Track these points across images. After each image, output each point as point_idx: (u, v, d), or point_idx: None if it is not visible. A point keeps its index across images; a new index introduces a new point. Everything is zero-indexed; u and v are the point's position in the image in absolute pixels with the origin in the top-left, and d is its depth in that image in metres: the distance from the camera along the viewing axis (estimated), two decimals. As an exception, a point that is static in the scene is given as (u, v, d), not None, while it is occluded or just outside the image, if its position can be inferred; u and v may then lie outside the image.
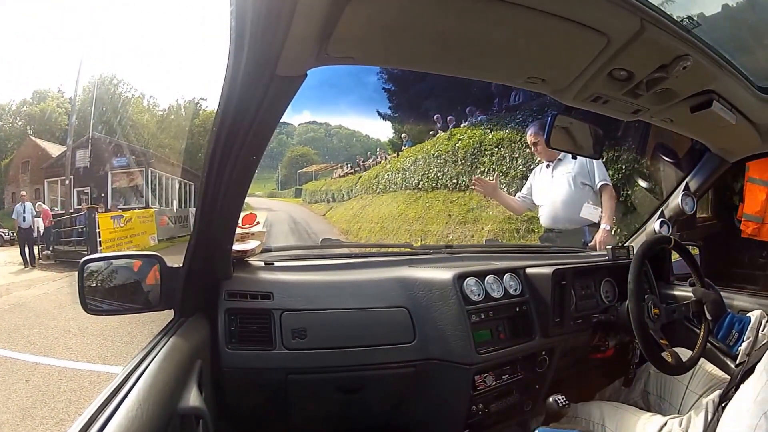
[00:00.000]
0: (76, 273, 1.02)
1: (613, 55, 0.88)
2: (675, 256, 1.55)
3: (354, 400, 1.24)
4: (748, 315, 1.19)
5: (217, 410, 1.09)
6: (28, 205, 10.17)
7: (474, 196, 8.12)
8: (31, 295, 6.64)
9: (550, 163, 2.66)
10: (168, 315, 1.05)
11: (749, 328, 1.15)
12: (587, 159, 2.52)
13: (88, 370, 3.68)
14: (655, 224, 1.69)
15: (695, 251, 1.65)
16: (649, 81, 0.98)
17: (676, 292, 1.48)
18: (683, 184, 1.70)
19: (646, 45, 0.85)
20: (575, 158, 2.55)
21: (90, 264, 1.03)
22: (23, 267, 9.23)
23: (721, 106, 1.11)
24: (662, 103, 1.10)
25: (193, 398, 0.76)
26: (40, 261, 9.79)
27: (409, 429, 1.34)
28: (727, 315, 1.21)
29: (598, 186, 2.55)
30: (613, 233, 2.44)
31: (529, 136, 2.78)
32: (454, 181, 8.87)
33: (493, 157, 7.86)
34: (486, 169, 7.94)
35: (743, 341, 1.16)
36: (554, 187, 2.61)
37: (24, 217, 9.78)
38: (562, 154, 2.64)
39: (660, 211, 1.73)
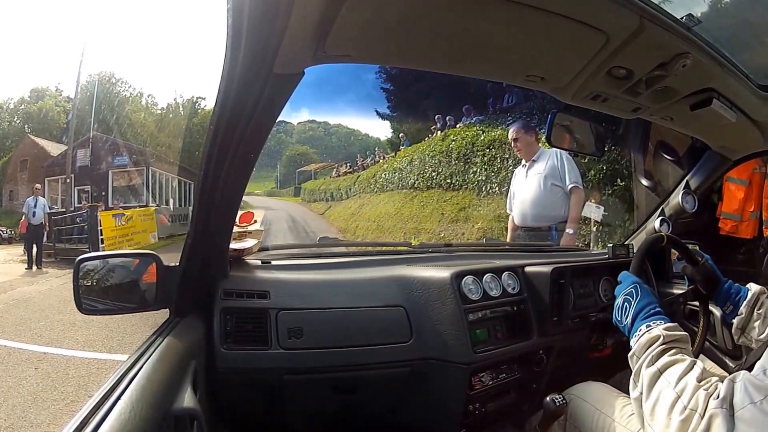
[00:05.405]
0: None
1: (612, 53, 0.87)
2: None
3: (350, 401, 1.24)
4: (746, 287, 1.18)
5: (212, 411, 1.08)
6: (41, 200, 9.29)
7: (466, 195, 8.18)
8: (35, 291, 6.62)
9: (527, 163, 2.71)
10: (166, 312, 1.04)
11: (744, 303, 1.14)
12: (559, 161, 2.56)
13: (96, 359, 3.73)
14: (655, 222, 1.68)
15: (694, 249, 1.65)
16: (649, 79, 0.98)
17: (676, 291, 1.47)
18: (683, 182, 1.69)
19: (645, 43, 0.84)
20: (548, 159, 2.61)
21: (86, 263, 1.02)
22: (27, 267, 8.46)
23: (721, 104, 1.10)
24: (662, 101, 1.09)
25: (187, 399, 0.75)
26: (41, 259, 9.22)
27: (406, 429, 1.33)
28: (724, 282, 1.20)
29: (569, 188, 2.58)
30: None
31: (511, 133, 2.82)
32: (448, 180, 8.89)
33: (485, 158, 7.88)
34: (478, 170, 7.98)
35: (737, 315, 1.15)
36: (526, 186, 2.67)
37: (34, 212, 8.84)
38: (537, 154, 2.68)
39: (661, 209, 1.72)
